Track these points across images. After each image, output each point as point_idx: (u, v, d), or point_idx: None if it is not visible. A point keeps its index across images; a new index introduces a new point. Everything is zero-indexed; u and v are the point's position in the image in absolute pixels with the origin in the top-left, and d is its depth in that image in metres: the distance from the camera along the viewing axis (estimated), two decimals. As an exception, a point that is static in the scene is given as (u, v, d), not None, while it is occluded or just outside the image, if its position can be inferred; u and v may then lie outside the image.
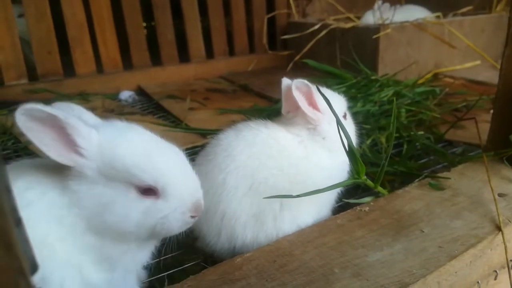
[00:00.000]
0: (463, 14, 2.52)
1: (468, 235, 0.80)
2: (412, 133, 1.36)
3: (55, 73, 2.25)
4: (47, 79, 2.22)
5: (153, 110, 2.05)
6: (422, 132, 1.46)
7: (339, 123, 0.74)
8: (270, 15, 2.75)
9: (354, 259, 0.75)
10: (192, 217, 0.69)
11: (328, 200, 0.93)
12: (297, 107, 0.88)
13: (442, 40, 2.20)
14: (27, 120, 0.60)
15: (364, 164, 1.25)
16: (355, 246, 0.78)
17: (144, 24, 2.53)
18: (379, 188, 0.91)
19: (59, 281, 0.63)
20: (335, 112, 0.76)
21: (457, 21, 2.35)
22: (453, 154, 1.27)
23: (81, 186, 0.66)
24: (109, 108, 2.04)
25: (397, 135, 1.44)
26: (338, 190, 0.95)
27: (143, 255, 0.74)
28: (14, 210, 0.28)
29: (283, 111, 0.93)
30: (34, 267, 0.30)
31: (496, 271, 0.86)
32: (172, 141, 0.82)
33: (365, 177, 0.82)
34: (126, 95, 2.29)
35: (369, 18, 2.50)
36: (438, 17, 2.47)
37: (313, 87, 0.87)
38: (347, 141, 0.76)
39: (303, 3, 2.96)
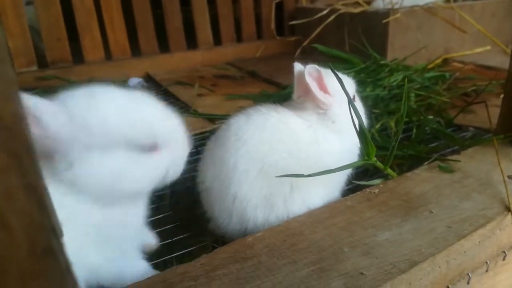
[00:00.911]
0: (474, -1, 2.48)
1: (477, 216, 0.80)
2: (422, 117, 1.36)
3: (65, 60, 2.26)
4: (57, 66, 2.23)
5: (162, 96, 2.06)
6: (431, 117, 1.45)
7: (350, 102, 0.75)
8: (277, 0, 2.73)
9: (364, 239, 0.76)
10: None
11: (338, 182, 0.94)
12: (308, 92, 0.89)
13: (453, 24, 2.17)
14: None
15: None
16: (364, 226, 0.79)
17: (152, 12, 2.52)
18: (389, 170, 0.91)
19: None
20: (347, 92, 0.77)
21: (468, 5, 2.32)
22: (463, 138, 1.26)
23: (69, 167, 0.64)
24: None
25: (406, 119, 1.43)
26: (348, 172, 0.96)
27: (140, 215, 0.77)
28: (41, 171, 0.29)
29: (295, 96, 0.93)
30: (61, 231, 0.31)
31: (504, 252, 0.87)
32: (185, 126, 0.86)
33: (375, 158, 0.83)
34: (135, 82, 2.30)
35: (379, 3, 2.47)
36: (448, 1, 2.44)
37: (323, 71, 0.87)
38: (358, 121, 0.76)
39: (311, -12, 2.93)
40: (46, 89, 2.05)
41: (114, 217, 0.71)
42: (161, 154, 0.71)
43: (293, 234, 0.79)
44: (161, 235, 0.94)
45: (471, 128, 1.41)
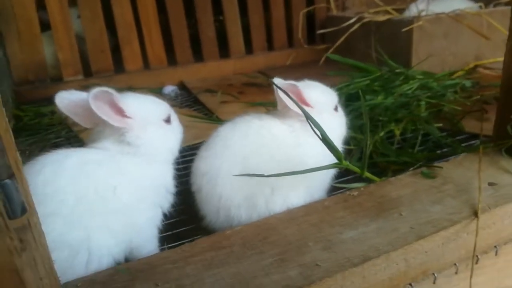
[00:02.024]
0: (507, 4, 2.41)
1: (443, 219, 0.85)
2: (420, 125, 1.39)
3: (107, 70, 2.49)
4: (100, 75, 2.46)
5: (190, 103, 2.21)
6: (440, 124, 1.47)
7: (307, 116, 0.82)
8: (307, 9, 2.80)
9: (329, 235, 0.83)
10: None
11: (319, 185, 1.01)
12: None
13: (477, 31, 2.14)
14: (95, 101, 0.86)
15: (375, 154, 1.32)
16: (333, 224, 0.86)
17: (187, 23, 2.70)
18: (367, 174, 0.97)
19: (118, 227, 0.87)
20: (302, 107, 0.84)
21: (499, 11, 2.26)
22: (459, 145, 1.28)
23: (136, 138, 0.92)
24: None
25: (413, 127, 1.47)
26: (330, 176, 1.03)
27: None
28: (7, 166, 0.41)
29: (279, 107, 1.02)
30: (23, 210, 0.43)
31: (477, 256, 0.90)
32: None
33: (346, 162, 0.90)
34: (169, 89, 2.48)
35: (413, 10, 2.47)
36: (480, 7, 2.39)
37: (299, 85, 0.95)
38: (319, 131, 0.83)
39: (343, -4, 2.98)
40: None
41: (162, 174, 0.97)
42: (174, 122, 1.02)
43: (267, 229, 0.87)
44: (163, 227, 1.06)
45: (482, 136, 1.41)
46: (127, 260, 0.93)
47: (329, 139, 0.84)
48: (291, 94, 0.95)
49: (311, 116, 0.82)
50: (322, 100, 1.01)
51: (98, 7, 2.39)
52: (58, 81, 2.42)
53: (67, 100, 0.90)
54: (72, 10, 2.41)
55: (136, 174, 0.92)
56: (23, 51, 2.31)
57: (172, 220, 1.12)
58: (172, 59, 2.66)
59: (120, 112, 0.89)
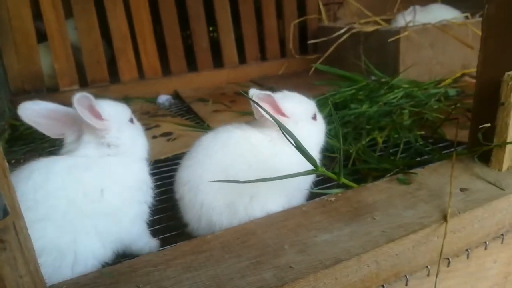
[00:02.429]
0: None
1: (414, 223, 0.88)
2: (402, 133, 1.43)
3: (103, 80, 2.54)
4: (96, 85, 2.51)
5: (183, 112, 2.26)
6: (422, 132, 1.52)
7: (280, 126, 0.86)
8: (298, 20, 2.87)
9: (305, 239, 0.87)
10: None
11: (296, 193, 1.05)
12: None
13: (462, 41, 2.19)
14: (79, 106, 0.90)
15: (358, 161, 1.36)
16: (310, 228, 0.90)
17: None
18: (344, 180, 1.01)
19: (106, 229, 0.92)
20: (275, 118, 0.88)
21: (486, 21, 2.31)
22: (436, 152, 1.32)
23: (114, 138, 0.99)
24: (145, 111, 2.28)
25: (396, 135, 1.51)
26: (308, 183, 1.07)
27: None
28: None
29: (256, 116, 1.06)
30: (5, 212, 0.47)
31: (448, 259, 0.93)
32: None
33: (322, 168, 0.94)
34: (163, 99, 2.53)
35: (400, 22, 2.53)
36: (466, 17, 2.45)
37: (275, 96, 1.00)
38: (293, 140, 0.87)
39: (335, 7, 3.04)
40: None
41: (142, 170, 1.04)
42: (136, 124, 1.11)
43: (246, 233, 0.91)
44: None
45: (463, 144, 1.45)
46: (124, 255, 1.00)
47: (303, 147, 0.88)
48: (267, 105, 0.99)
49: (284, 126, 0.87)
50: (298, 110, 1.05)
51: (94, 18, 2.45)
52: (55, 91, 2.47)
53: (29, 110, 0.95)
54: (68, 21, 2.47)
55: (121, 174, 0.97)
56: (20, 61, 2.37)
57: (159, 226, 1.17)
58: (166, 69, 2.71)
59: (98, 115, 0.94)
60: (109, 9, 2.49)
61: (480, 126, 1.06)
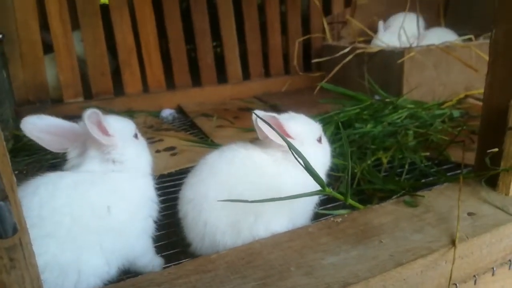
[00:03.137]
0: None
1: (422, 247, 0.88)
2: (407, 154, 1.43)
3: (107, 92, 2.55)
4: (100, 98, 2.52)
5: (187, 127, 2.25)
6: (427, 153, 1.51)
7: (289, 145, 0.86)
8: (302, 38, 2.89)
9: (311, 261, 0.86)
10: None
11: (301, 214, 1.04)
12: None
13: (466, 64, 2.21)
14: (89, 123, 0.91)
15: (362, 182, 1.35)
16: (316, 250, 0.89)
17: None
18: (350, 201, 1.01)
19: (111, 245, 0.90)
20: (284, 137, 0.88)
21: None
22: (442, 175, 1.31)
23: (119, 154, 1.00)
24: (149, 125, 2.28)
25: (400, 156, 1.51)
26: (313, 204, 1.06)
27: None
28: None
29: (260, 137, 1.06)
30: (14, 230, 0.47)
31: (456, 285, 0.92)
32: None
33: (329, 189, 0.93)
34: (167, 113, 2.53)
35: (377, 42, 2.60)
36: (469, 39, 2.48)
37: (280, 117, 1.00)
38: (302, 160, 0.87)
39: (339, 26, 3.07)
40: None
41: (147, 186, 1.04)
42: (140, 139, 1.11)
43: (252, 254, 0.90)
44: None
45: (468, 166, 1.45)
46: (128, 272, 0.98)
47: (312, 167, 0.88)
48: (266, 125, 0.99)
49: (294, 146, 0.86)
50: (303, 131, 1.05)
51: (100, 31, 2.47)
52: (59, 103, 2.47)
53: (32, 125, 0.95)
54: (75, 34, 2.49)
55: (127, 190, 0.96)
56: (25, 72, 2.37)
57: (162, 243, 1.15)
58: (170, 83, 2.72)
59: (105, 131, 0.94)
60: (116, 22, 2.51)
61: (488, 151, 1.05)
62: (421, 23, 2.73)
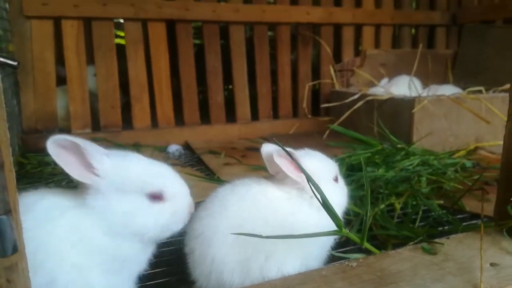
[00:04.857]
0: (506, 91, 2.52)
1: (444, 298, 0.82)
2: (421, 200, 1.39)
3: (115, 125, 2.55)
4: (108, 130, 2.52)
5: (193, 163, 2.23)
6: (441, 202, 1.47)
7: (310, 180, 0.83)
8: (312, 83, 2.93)
9: (326, 306, 0.80)
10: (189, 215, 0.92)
11: (315, 255, 0.98)
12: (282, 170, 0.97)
13: (477, 115, 2.21)
14: (56, 148, 0.77)
15: (374, 227, 1.30)
16: (331, 295, 0.83)
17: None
18: (367, 245, 0.95)
19: (65, 284, 0.75)
20: (308, 174, 0.84)
21: (500, 97, 2.35)
22: (459, 223, 1.26)
23: (97, 201, 0.82)
24: (156, 159, 2.25)
25: (414, 202, 1.46)
26: (327, 246, 1.01)
27: (145, 257, 0.90)
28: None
29: (271, 172, 1.03)
30: (14, 248, 0.43)
31: None
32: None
33: (346, 230, 0.88)
34: (173, 148, 2.52)
35: (379, 90, 2.66)
36: (479, 91, 2.49)
37: (296, 153, 0.97)
38: (321, 197, 0.83)
39: (348, 74, 3.12)
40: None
41: (123, 251, 0.85)
42: (165, 203, 0.87)
43: (261, 296, 0.84)
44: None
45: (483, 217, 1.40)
46: None
47: (330, 204, 0.83)
48: (286, 161, 0.96)
49: (313, 180, 0.83)
50: (319, 169, 1.01)
51: (114, 65, 2.51)
52: (66, 133, 2.46)
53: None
54: (88, 68, 2.53)
55: None
56: (36, 101, 2.39)
57: (163, 280, 1.09)
58: (179, 119, 2.73)
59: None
60: (131, 58, 2.55)
61: None
62: (418, 85, 2.81)
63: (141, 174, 0.85)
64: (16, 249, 0.48)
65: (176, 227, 0.90)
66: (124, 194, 0.84)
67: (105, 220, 0.82)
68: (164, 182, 0.88)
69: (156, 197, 0.86)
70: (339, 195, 1.04)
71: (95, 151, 0.82)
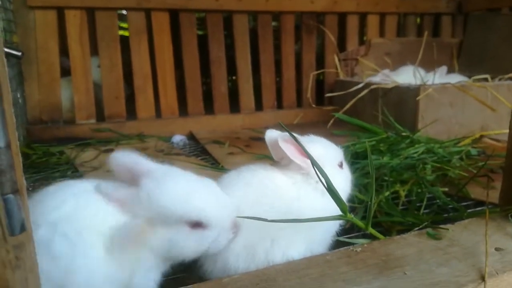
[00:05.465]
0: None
1: (449, 281, 0.82)
2: (425, 187, 1.38)
3: (120, 116, 2.55)
4: (112, 121, 2.52)
5: (198, 153, 2.23)
6: (446, 189, 1.46)
7: (315, 164, 0.83)
8: (316, 72, 2.91)
9: (331, 290, 0.80)
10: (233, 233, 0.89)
11: (319, 241, 0.99)
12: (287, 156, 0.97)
13: (483, 102, 2.19)
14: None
15: (379, 214, 1.30)
16: (336, 279, 0.84)
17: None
18: (371, 230, 0.96)
19: None
20: (313, 158, 0.84)
21: (506, 85, 2.33)
22: (464, 210, 1.26)
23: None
24: (160, 149, 2.26)
25: (418, 189, 1.46)
26: (332, 231, 1.01)
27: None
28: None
29: (275, 158, 1.03)
30: (22, 227, 0.43)
31: (484, 324, 0.85)
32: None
33: (351, 215, 0.89)
34: (178, 138, 2.52)
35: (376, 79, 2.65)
36: (485, 79, 2.47)
37: (301, 139, 0.97)
38: (326, 181, 0.83)
39: (352, 63, 3.10)
40: (99, 140, 2.31)
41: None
42: (206, 231, 0.86)
43: (266, 280, 0.85)
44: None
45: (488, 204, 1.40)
46: None
47: (335, 188, 0.84)
48: (292, 147, 0.96)
49: (318, 164, 0.83)
50: (324, 154, 1.01)
51: (118, 56, 2.51)
52: (71, 123, 2.48)
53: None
54: (92, 59, 2.53)
55: None
56: (41, 92, 2.40)
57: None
58: (183, 109, 2.73)
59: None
60: (134, 49, 2.55)
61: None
62: (423, 73, 2.78)
63: (178, 203, 0.83)
64: (24, 228, 0.49)
65: (218, 250, 0.90)
66: (162, 221, 0.84)
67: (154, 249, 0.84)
68: (204, 209, 0.85)
69: (196, 225, 0.85)
70: (343, 181, 1.04)
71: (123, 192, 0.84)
